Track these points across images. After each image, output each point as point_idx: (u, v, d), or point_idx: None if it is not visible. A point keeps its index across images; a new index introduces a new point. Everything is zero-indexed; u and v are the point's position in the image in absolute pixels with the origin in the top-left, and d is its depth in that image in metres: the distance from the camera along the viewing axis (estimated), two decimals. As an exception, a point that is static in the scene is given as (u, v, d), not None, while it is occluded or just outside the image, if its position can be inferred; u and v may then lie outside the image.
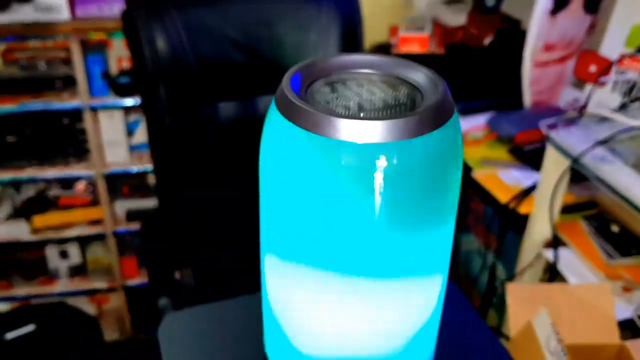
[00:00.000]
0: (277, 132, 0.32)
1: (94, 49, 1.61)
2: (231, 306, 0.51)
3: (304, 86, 0.33)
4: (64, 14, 1.48)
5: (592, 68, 1.12)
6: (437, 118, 0.30)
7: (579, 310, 0.83)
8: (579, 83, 1.37)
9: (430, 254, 0.34)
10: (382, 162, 0.29)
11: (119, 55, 1.65)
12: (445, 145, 0.31)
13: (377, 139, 0.29)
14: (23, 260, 1.84)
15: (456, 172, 0.32)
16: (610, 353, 0.81)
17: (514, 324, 0.82)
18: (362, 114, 0.32)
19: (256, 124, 1.06)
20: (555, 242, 1.07)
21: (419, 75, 0.34)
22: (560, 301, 0.84)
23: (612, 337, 0.81)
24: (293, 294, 0.35)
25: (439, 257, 0.35)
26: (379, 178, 0.29)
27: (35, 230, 1.71)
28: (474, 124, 1.40)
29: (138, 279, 1.85)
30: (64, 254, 1.82)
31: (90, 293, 1.90)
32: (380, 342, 0.35)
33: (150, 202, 1.79)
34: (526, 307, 0.82)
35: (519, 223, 1.14)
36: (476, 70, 1.49)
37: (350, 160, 0.29)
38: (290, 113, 0.31)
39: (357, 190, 0.30)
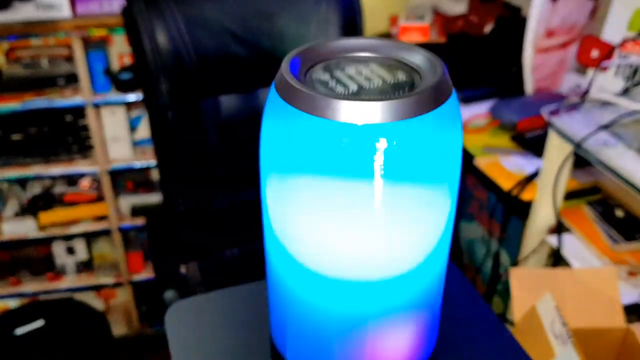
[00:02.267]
0: (277, 116, 0.32)
1: (96, 46, 1.61)
2: (237, 293, 0.52)
3: (304, 70, 0.34)
4: (65, 11, 1.48)
5: (595, 53, 1.11)
6: (435, 98, 0.30)
7: (584, 294, 0.84)
8: (581, 69, 1.37)
9: (432, 239, 0.34)
10: (382, 143, 0.29)
11: (120, 52, 1.65)
12: (444, 125, 0.31)
13: (376, 120, 0.29)
14: (31, 257, 1.86)
15: (456, 151, 0.32)
16: (616, 337, 0.81)
17: (518, 308, 0.82)
18: (361, 96, 0.32)
19: (257, 116, 1.06)
20: (559, 228, 1.07)
21: (418, 57, 0.34)
22: (565, 285, 0.84)
23: (618, 320, 0.81)
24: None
25: (441, 242, 0.35)
26: (379, 158, 0.29)
27: (42, 227, 1.72)
28: (476, 112, 1.39)
29: (144, 274, 1.86)
30: (70, 250, 1.84)
31: (97, 288, 1.91)
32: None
33: (154, 197, 1.80)
34: (530, 292, 0.82)
35: (523, 210, 1.14)
36: (477, 59, 1.49)
37: (350, 142, 0.29)
38: (290, 96, 0.31)
39: (357, 171, 0.30)
